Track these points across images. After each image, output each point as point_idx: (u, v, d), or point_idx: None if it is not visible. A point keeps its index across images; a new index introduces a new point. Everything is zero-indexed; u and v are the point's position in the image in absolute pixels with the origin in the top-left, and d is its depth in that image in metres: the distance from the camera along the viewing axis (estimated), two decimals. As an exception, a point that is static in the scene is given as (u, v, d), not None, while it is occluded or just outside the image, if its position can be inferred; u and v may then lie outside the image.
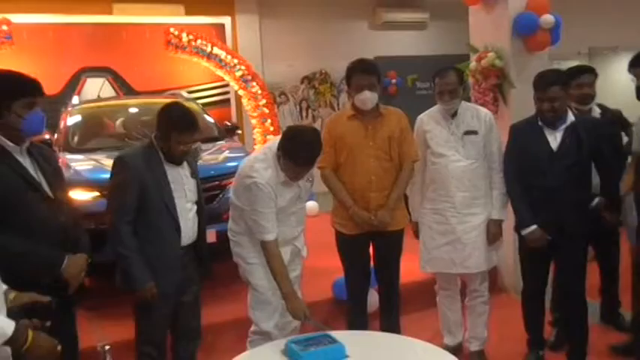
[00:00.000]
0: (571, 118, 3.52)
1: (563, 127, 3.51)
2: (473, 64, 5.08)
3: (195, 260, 3.34)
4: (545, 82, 3.47)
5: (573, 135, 3.48)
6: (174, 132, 3.04)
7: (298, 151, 3.08)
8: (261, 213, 3.16)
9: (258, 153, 3.29)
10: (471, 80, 5.12)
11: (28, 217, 2.63)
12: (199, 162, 4.75)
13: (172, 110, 3.14)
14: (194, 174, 3.28)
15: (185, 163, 3.23)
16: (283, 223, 3.27)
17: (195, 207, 3.28)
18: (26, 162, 2.69)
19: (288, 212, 3.31)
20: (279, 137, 3.28)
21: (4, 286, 2.12)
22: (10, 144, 2.63)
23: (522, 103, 3.78)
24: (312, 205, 7.80)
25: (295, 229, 3.44)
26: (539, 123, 3.55)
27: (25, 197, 2.62)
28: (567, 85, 3.53)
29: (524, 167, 3.60)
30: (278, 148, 3.14)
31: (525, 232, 3.58)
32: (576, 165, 3.46)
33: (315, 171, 3.36)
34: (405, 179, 3.74)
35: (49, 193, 2.72)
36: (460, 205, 3.80)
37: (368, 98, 3.58)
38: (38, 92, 2.68)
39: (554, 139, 3.51)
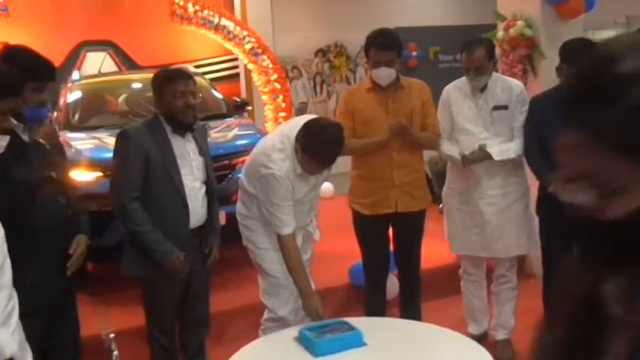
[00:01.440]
0: None
1: None
2: (500, 34, 5.03)
3: (202, 245, 3.39)
4: (571, 53, 3.37)
5: None
6: (166, 85, 3.10)
7: (320, 149, 3.07)
8: (279, 206, 3.16)
9: (275, 140, 3.26)
10: (498, 51, 5.05)
11: None
12: (208, 140, 4.84)
13: (160, 71, 3.30)
14: (202, 152, 3.29)
15: (193, 140, 3.24)
16: (298, 211, 3.29)
17: (204, 187, 3.30)
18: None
19: (303, 201, 3.33)
20: (296, 122, 3.27)
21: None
22: (14, 122, 2.66)
23: (553, 75, 3.76)
24: (327, 186, 7.78)
25: (308, 217, 3.45)
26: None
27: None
28: None
29: (545, 143, 3.47)
30: (296, 140, 3.11)
31: (551, 189, 3.49)
32: None
33: None
34: (426, 136, 3.72)
35: (51, 173, 2.76)
36: (487, 185, 3.79)
37: (384, 75, 3.60)
38: (50, 77, 2.74)
39: None
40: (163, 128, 3.16)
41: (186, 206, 3.19)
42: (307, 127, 3.12)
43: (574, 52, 3.39)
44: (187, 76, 3.16)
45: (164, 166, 3.10)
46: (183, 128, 3.18)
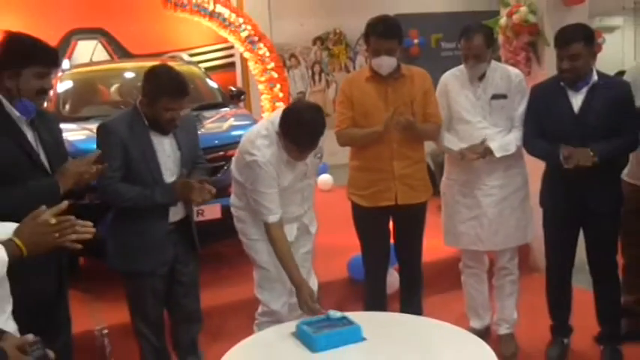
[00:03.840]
0: (594, 78, 3.49)
1: (585, 88, 3.49)
2: (503, 20, 5.06)
3: (186, 238, 3.42)
4: (565, 37, 3.43)
5: (595, 97, 3.45)
6: (163, 97, 3.07)
7: (299, 133, 3.10)
8: (263, 193, 3.21)
9: (260, 127, 3.32)
10: (501, 38, 5.09)
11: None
12: (201, 131, 4.80)
13: (160, 73, 3.19)
14: (180, 147, 3.31)
15: (172, 135, 3.28)
16: (288, 200, 3.33)
17: None
18: (28, 132, 2.75)
19: (292, 190, 3.37)
20: (282, 109, 3.30)
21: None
22: (17, 114, 2.69)
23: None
24: (325, 178, 7.90)
25: (301, 207, 3.48)
26: (561, 84, 3.54)
27: (21, 169, 2.68)
28: (592, 43, 3.47)
29: (546, 131, 3.60)
30: (279, 126, 3.17)
31: (560, 152, 3.39)
32: (599, 130, 3.43)
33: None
34: (429, 127, 3.72)
35: (47, 167, 2.77)
36: (485, 176, 3.81)
37: (385, 64, 3.60)
38: (52, 63, 2.74)
39: (577, 101, 3.50)
40: (143, 122, 3.17)
41: None
42: (285, 111, 3.17)
43: (564, 35, 3.45)
44: (185, 94, 3.15)
45: (144, 161, 3.15)
46: (162, 131, 3.23)
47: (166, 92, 3.08)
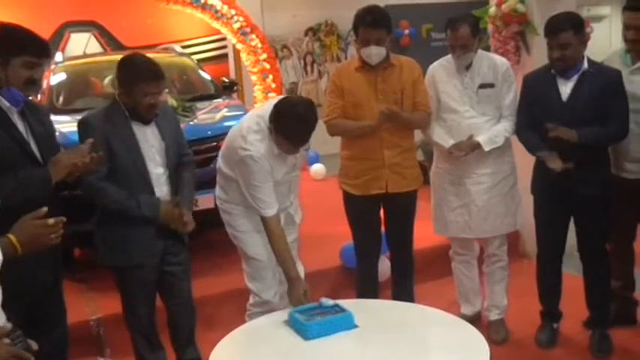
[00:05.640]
0: (584, 66, 3.48)
1: (576, 76, 3.48)
2: (492, 10, 5.02)
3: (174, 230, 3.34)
4: (555, 26, 3.42)
5: (584, 84, 3.46)
6: (140, 82, 3.03)
7: (291, 128, 3.08)
8: (259, 187, 3.20)
9: (251, 122, 3.27)
10: (490, 27, 5.08)
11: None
12: (194, 122, 4.87)
13: (134, 59, 3.16)
14: (164, 136, 3.25)
15: (154, 124, 3.23)
16: (276, 192, 3.30)
17: (167, 172, 3.29)
18: (18, 122, 2.73)
19: (281, 182, 3.36)
20: (270, 103, 3.28)
21: None
22: (7, 104, 2.66)
23: (546, 52, 3.78)
24: (318, 167, 7.87)
25: (287, 199, 3.47)
26: (552, 71, 3.53)
27: (13, 159, 2.65)
28: (582, 31, 3.46)
29: (537, 119, 3.58)
30: (269, 120, 3.14)
31: (543, 156, 3.50)
32: (588, 117, 3.42)
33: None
34: (417, 116, 3.72)
35: (38, 158, 2.74)
36: (475, 165, 3.81)
37: (374, 54, 3.58)
38: (42, 53, 2.70)
39: (566, 89, 3.49)
40: (124, 115, 3.13)
41: (152, 193, 3.20)
42: (277, 106, 3.13)
43: (554, 24, 3.44)
44: (161, 77, 3.11)
45: (127, 153, 3.10)
46: (143, 120, 3.19)
47: (143, 77, 3.05)
